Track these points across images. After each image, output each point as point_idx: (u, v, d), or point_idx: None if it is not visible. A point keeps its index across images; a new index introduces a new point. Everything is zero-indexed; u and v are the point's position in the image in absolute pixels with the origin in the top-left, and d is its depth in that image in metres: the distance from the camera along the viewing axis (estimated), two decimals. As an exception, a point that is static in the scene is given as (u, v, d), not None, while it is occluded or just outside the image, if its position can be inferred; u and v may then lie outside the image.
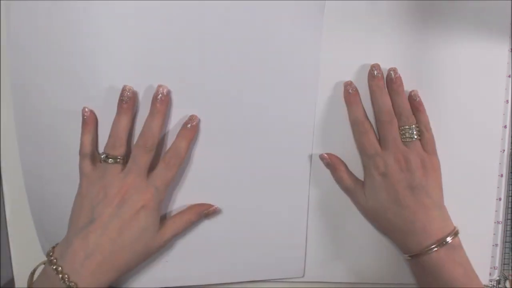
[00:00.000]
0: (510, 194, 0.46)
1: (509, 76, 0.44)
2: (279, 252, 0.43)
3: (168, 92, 0.39)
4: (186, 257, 0.42)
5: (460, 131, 0.44)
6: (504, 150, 0.45)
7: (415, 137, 0.40)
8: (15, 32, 0.40)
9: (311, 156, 0.43)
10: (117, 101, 0.39)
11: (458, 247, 0.39)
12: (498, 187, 0.45)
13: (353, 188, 0.42)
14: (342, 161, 0.43)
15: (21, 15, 0.40)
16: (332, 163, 0.42)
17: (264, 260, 0.43)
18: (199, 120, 0.41)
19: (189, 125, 0.40)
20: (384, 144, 0.40)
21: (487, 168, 0.45)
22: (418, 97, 0.41)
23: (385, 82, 0.41)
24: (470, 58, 0.43)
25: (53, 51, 0.40)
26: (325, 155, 0.42)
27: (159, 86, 0.39)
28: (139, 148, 0.38)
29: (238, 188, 0.42)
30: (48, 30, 0.39)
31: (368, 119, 0.42)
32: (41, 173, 0.42)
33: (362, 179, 0.42)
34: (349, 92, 0.41)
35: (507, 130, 0.45)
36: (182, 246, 0.42)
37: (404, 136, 0.40)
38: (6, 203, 0.44)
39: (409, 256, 0.39)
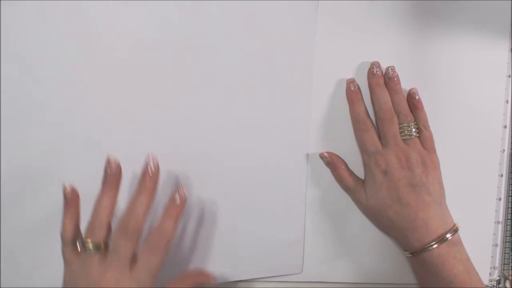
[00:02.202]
0: (510, 194, 0.46)
1: (509, 76, 0.44)
2: (277, 249, 0.43)
3: (158, 165, 0.35)
4: (185, 257, 0.42)
5: (460, 131, 0.44)
6: (504, 150, 0.45)
7: (414, 134, 0.40)
8: (10, 31, 0.40)
9: (307, 154, 0.43)
10: (113, 101, 0.38)
11: (458, 244, 0.39)
12: (498, 187, 0.45)
13: (354, 186, 0.42)
14: (342, 160, 0.43)
15: (15, 15, 0.39)
16: (332, 161, 0.42)
17: (263, 258, 0.43)
18: (188, 194, 0.37)
19: (177, 199, 0.34)
20: (384, 141, 0.40)
21: (487, 168, 0.45)
22: (417, 95, 0.41)
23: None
24: (470, 58, 0.44)
25: (48, 51, 0.39)
26: (325, 153, 0.42)
27: (148, 159, 0.35)
28: (119, 235, 0.33)
29: (235, 186, 0.42)
30: (44, 29, 0.39)
31: (369, 117, 0.42)
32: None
33: (362, 178, 0.43)
34: (351, 89, 0.42)
35: (507, 130, 0.45)
36: (181, 246, 0.42)
37: (403, 134, 0.40)
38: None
39: (410, 253, 0.39)
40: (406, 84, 0.42)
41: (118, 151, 0.39)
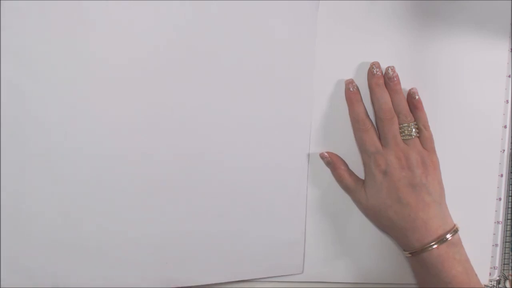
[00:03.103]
0: (510, 194, 0.46)
1: (509, 76, 0.44)
2: (277, 249, 0.43)
3: None
4: (185, 257, 0.42)
5: (460, 131, 0.44)
6: (504, 150, 0.45)
7: (414, 134, 0.40)
8: (10, 31, 0.40)
9: (308, 154, 0.43)
10: (113, 101, 0.38)
11: (458, 244, 0.39)
12: (498, 187, 0.45)
13: (354, 186, 0.42)
14: (342, 160, 0.43)
15: (15, 15, 0.39)
16: (332, 161, 0.42)
17: (263, 258, 0.43)
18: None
19: None
20: (384, 141, 0.40)
21: (487, 168, 0.45)
22: (417, 95, 0.41)
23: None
24: (470, 58, 0.44)
25: (48, 51, 0.39)
26: (326, 153, 0.42)
27: None
28: None
29: (235, 186, 0.42)
30: (44, 29, 0.39)
31: (369, 117, 0.42)
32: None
33: (362, 178, 0.43)
34: (350, 90, 0.42)
35: (507, 130, 0.45)
36: (181, 246, 0.42)
37: (403, 134, 0.40)
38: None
39: (410, 253, 0.39)
40: (406, 84, 0.42)
41: (118, 151, 0.40)
